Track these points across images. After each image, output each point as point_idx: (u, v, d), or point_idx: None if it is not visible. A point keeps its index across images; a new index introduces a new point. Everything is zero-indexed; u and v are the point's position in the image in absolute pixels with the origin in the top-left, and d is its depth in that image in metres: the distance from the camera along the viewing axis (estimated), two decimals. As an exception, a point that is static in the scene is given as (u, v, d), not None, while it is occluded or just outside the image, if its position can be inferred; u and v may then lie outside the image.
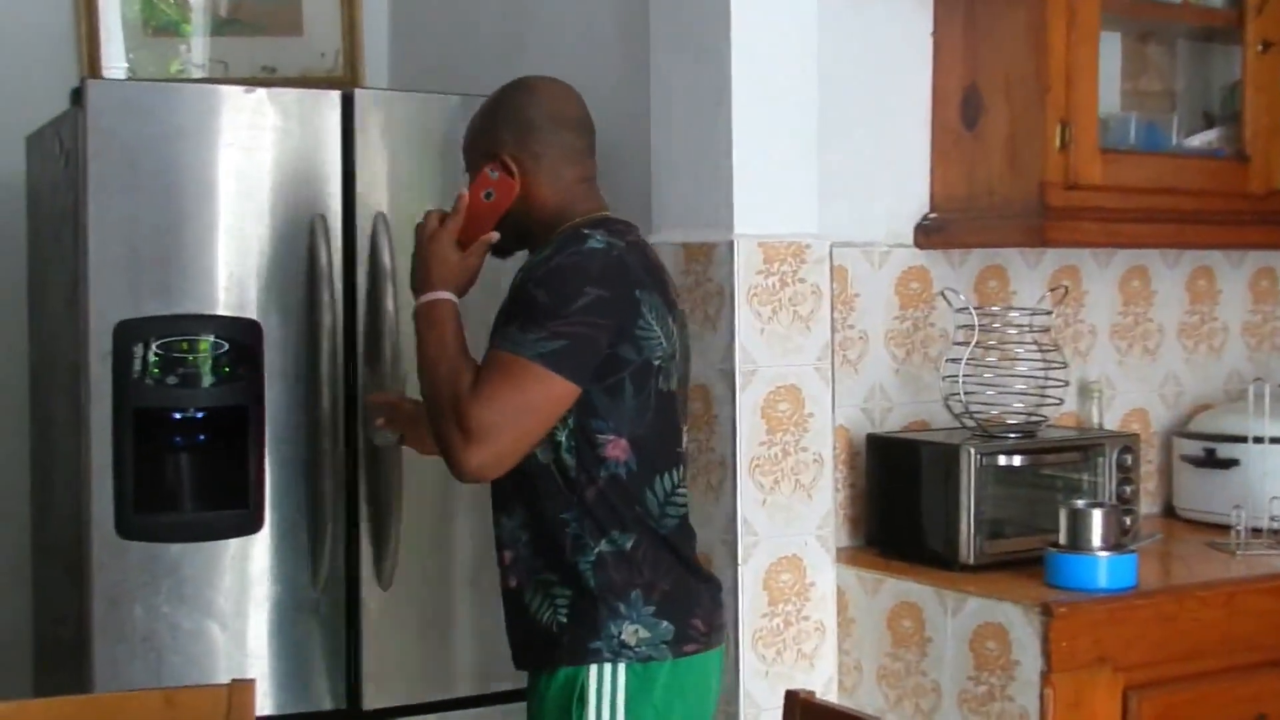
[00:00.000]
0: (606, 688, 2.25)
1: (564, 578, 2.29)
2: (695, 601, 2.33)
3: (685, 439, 2.44)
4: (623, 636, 2.26)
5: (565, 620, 2.28)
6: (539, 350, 2.17)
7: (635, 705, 2.25)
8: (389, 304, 2.93)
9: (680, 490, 2.34)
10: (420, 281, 2.37)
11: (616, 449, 2.27)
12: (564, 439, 2.26)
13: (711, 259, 2.90)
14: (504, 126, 2.38)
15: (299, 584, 2.89)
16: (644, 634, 2.27)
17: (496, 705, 3.09)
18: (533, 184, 2.36)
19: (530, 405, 2.18)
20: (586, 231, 2.28)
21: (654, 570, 2.29)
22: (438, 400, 2.25)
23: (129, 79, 3.80)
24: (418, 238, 2.40)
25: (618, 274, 2.23)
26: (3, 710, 1.97)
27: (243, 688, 2.03)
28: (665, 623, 2.28)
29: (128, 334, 2.80)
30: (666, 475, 2.32)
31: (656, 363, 2.27)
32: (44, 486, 3.29)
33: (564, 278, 2.20)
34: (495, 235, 2.38)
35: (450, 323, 2.32)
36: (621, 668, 2.25)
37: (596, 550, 2.28)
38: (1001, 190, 3.10)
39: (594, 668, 2.26)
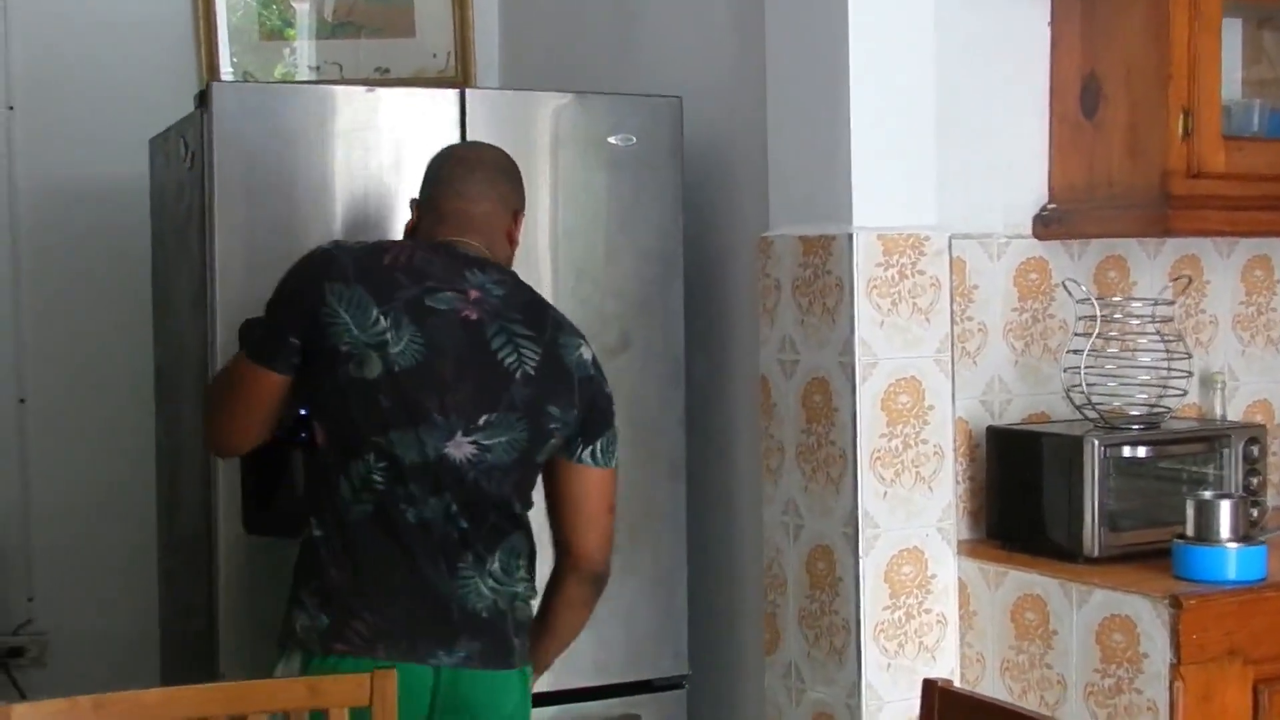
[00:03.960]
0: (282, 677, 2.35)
1: None
2: (366, 605, 2.34)
3: (457, 436, 2.39)
4: (295, 625, 2.37)
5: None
6: (248, 343, 2.49)
7: None
8: (503, 301, 2.96)
9: (376, 479, 2.35)
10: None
11: (320, 435, 2.43)
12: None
13: (830, 251, 2.90)
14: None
15: (423, 577, 2.92)
16: (306, 624, 2.36)
17: (613, 698, 3.12)
18: (418, 219, 2.61)
19: (229, 384, 2.51)
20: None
21: (335, 563, 2.36)
22: None
23: (242, 82, 3.86)
24: None
25: (309, 267, 2.42)
26: (154, 696, 2.02)
27: (384, 674, 2.06)
28: (324, 616, 2.34)
29: (253, 331, 2.84)
30: (361, 462, 2.35)
31: (344, 349, 2.35)
32: (171, 483, 3.35)
33: (280, 280, 2.47)
34: None
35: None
36: (296, 659, 2.35)
37: (304, 537, 2.43)
38: (1122, 180, 3.07)
39: (283, 656, 2.39)
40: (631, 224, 3.13)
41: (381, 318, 2.37)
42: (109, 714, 1.97)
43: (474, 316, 2.43)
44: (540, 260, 3.06)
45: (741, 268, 3.25)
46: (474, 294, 2.45)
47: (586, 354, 2.51)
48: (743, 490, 3.29)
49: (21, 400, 3.80)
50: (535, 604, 2.51)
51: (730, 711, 3.36)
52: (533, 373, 2.44)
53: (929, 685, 2.03)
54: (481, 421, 2.39)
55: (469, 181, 2.56)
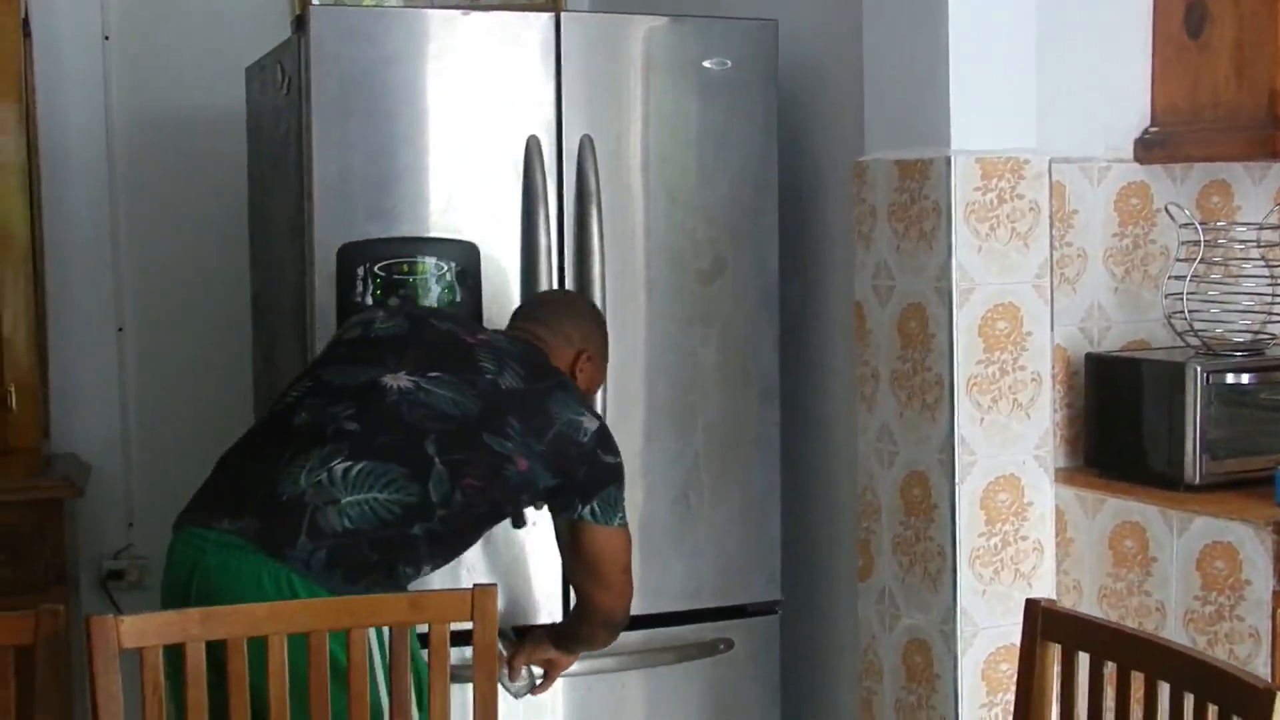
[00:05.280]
0: None
1: None
2: (210, 481, 2.45)
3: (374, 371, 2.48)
4: None
5: None
6: None
7: None
8: (594, 225, 2.96)
9: (294, 394, 2.48)
10: None
11: None
12: None
13: (928, 176, 2.86)
14: None
15: (517, 501, 2.94)
16: None
17: (705, 623, 3.13)
18: None
19: None
20: None
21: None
22: None
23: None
24: None
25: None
26: (262, 610, 2.05)
27: (485, 592, 2.08)
28: None
29: (350, 257, 2.86)
30: (293, 387, 2.51)
31: (340, 330, 2.66)
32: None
33: None
34: None
35: None
36: None
37: None
38: (1228, 101, 3.00)
39: None
40: (725, 149, 3.11)
41: (381, 311, 2.64)
42: (217, 626, 2.00)
43: (470, 341, 2.55)
44: (633, 185, 3.05)
45: (836, 192, 3.22)
46: (481, 337, 2.58)
47: (588, 424, 2.54)
48: (836, 417, 3.28)
49: (120, 329, 3.85)
50: (389, 582, 2.37)
51: (823, 637, 3.36)
52: (504, 387, 2.49)
53: (1032, 605, 2.02)
54: (432, 374, 2.46)
55: (540, 310, 2.74)
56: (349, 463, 2.33)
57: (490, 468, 2.42)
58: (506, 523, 2.73)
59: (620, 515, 2.57)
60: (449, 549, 2.47)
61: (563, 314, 2.73)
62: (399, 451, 2.36)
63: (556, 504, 2.56)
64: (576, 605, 2.70)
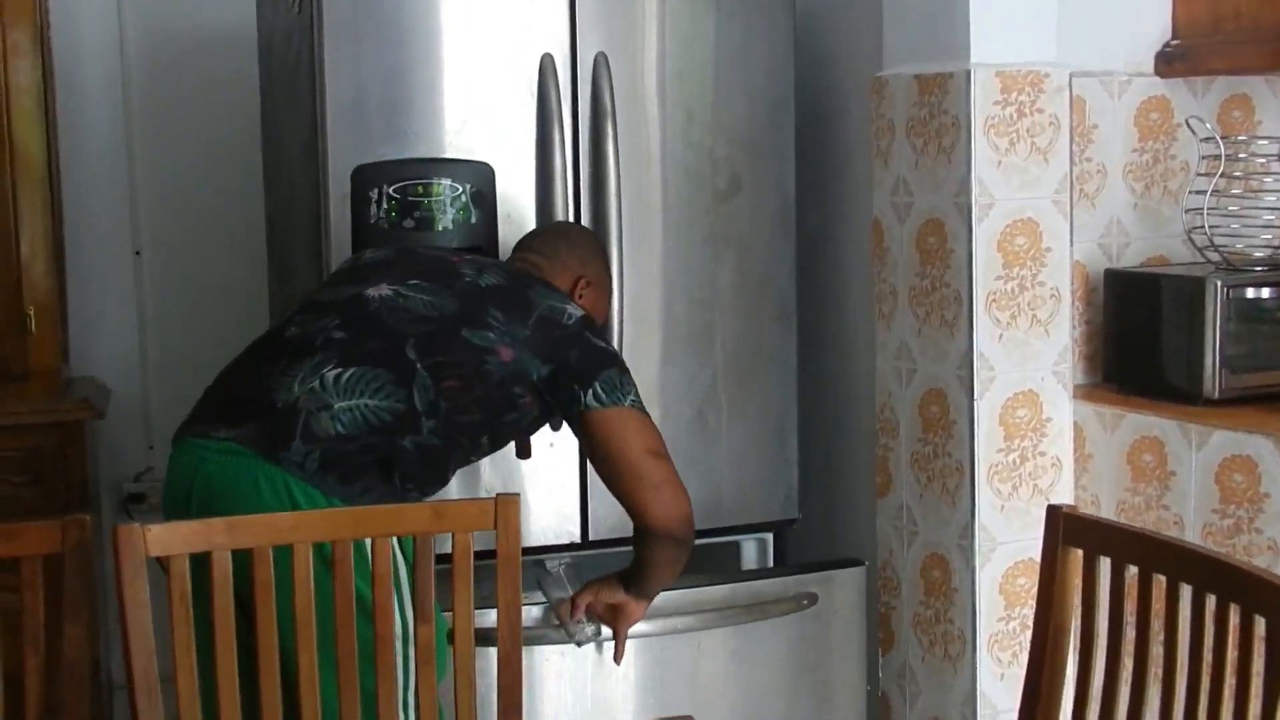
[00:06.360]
0: None
1: None
2: (207, 396, 2.47)
3: (351, 290, 2.50)
4: None
5: None
6: None
7: None
8: (610, 145, 2.94)
9: (290, 315, 2.52)
10: None
11: None
12: None
13: (946, 90, 2.84)
14: None
15: (537, 421, 2.94)
16: None
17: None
18: None
19: None
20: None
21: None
22: None
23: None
24: None
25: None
26: (286, 519, 2.06)
27: (508, 501, 2.08)
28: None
29: (365, 179, 2.85)
30: (288, 312, 2.56)
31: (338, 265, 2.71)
32: (285, 330, 3.38)
33: None
34: None
35: None
36: None
37: None
38: (1251, 12, 2.97)
39: None
40: (742, 65, 3.08)
41: (370, 249, 2.69)
42: (241, 535, 2.01)
43: (454, 260, 2.57)
44: (648, 103, 3.03)
45: (854, 109, 3.20)
46: (467, 257, 2.60)
47: (572, 310, 2.52)
48: (854, 334, 3.28)
49: (137, 253, 3.85)
50: (386, 486, 2.35)
51: (841, 554, 3.36)
52: (484, 285, 2.50)
53: (1053, 510, 2.02)
54: (410, 283, 2.48)
55: (536, 240, 2.74)
56: (339, 369, 2.35)
57: (471, 366, 2.40)
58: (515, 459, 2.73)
59: (631, 397, 2.45)
60: (442, 464, 2.44)
61: (559, 242, 2.72)
62: (384, 356, 2.38)
63: (560, 399, 2.46)
64: (634, 528, 2.54)
